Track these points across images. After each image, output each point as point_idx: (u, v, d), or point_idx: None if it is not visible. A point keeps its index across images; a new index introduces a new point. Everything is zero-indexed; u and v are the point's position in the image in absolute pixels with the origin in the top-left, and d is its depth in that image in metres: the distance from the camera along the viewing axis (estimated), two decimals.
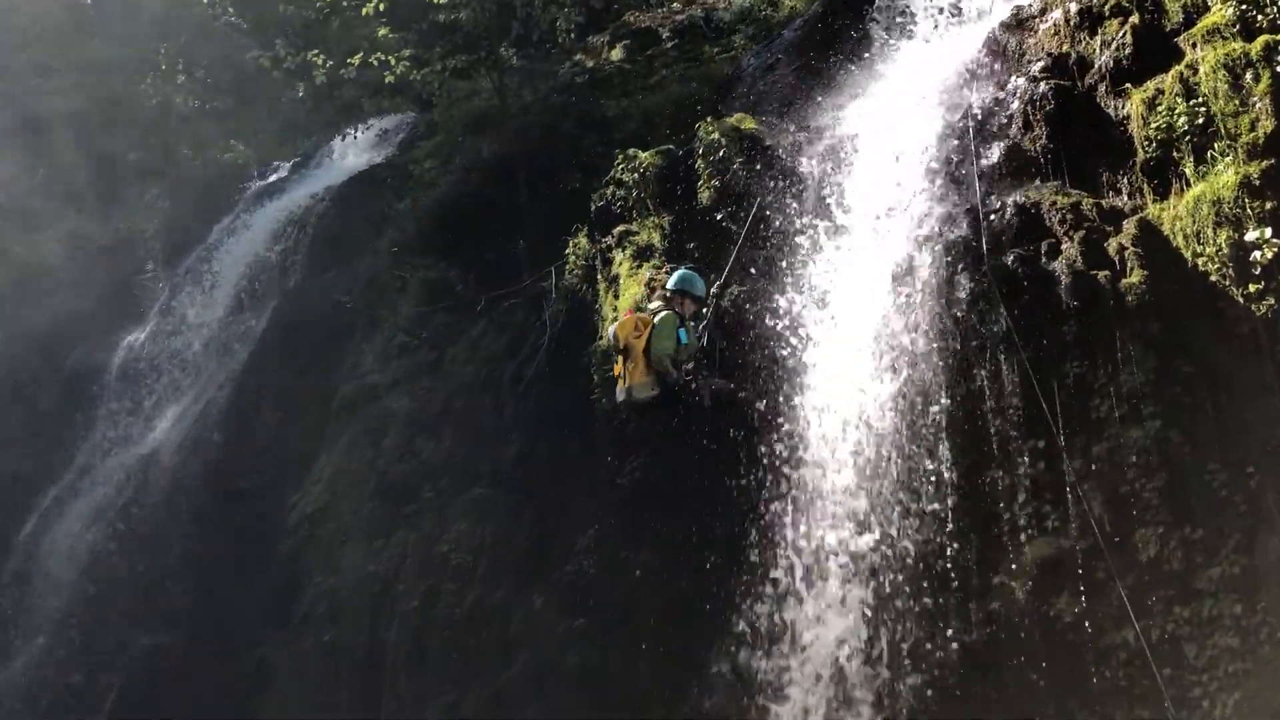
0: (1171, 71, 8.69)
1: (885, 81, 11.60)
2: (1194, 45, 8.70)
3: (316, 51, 20.28)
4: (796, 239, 10.38)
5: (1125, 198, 8.92)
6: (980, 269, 8.68)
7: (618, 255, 11.88)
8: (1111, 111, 9.18)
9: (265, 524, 15.15)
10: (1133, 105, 8.92)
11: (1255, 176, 7.81)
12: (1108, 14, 9.63)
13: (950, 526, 8.31)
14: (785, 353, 9.75)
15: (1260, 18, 8.35)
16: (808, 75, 13.04)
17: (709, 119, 12.24)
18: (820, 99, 12.33)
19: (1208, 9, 8.81)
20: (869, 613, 8.52)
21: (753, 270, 10.49)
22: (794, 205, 10.72)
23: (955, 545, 8.27)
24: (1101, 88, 9.35)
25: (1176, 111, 8.48)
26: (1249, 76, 8.12)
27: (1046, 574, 7.94)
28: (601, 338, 11.69)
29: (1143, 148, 8.76)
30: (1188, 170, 8.37)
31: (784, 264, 10.34)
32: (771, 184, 11.03)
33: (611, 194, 12.58)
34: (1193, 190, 8.23)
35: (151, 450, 18.17)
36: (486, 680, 11.20)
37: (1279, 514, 7.41)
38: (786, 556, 9.12)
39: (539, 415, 12.27)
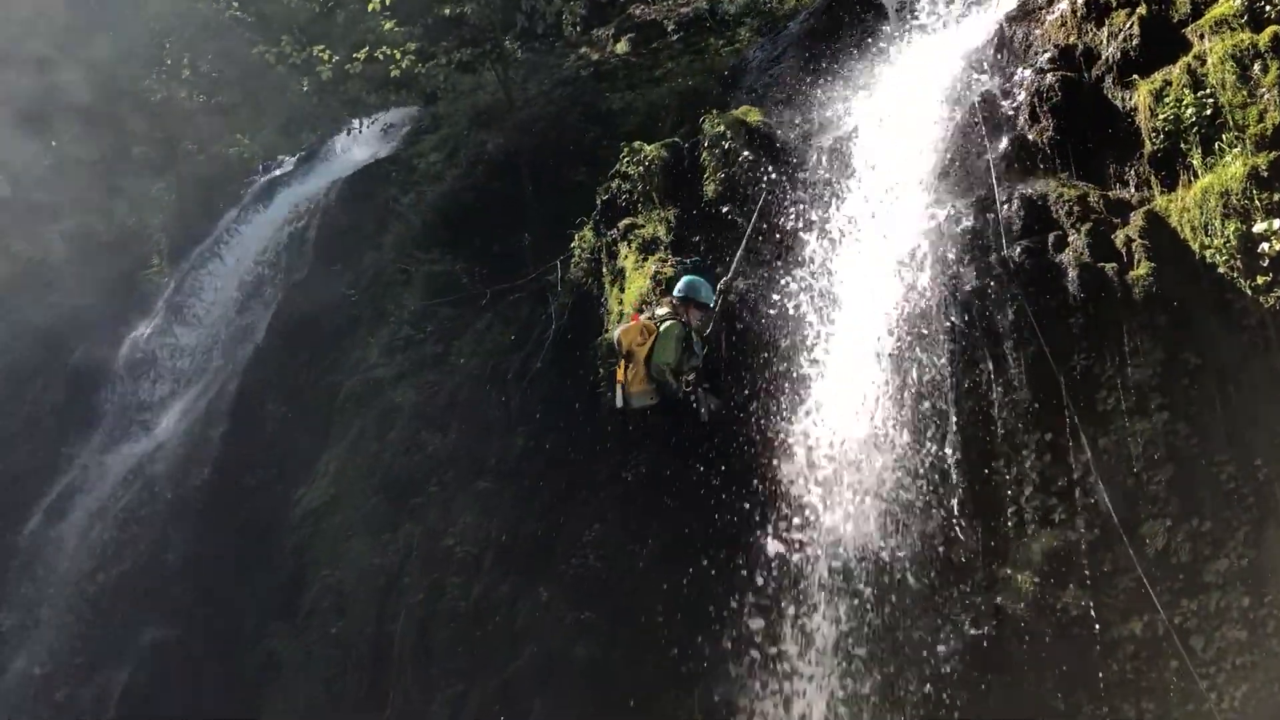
0: (1179, 63, 8.66)
1: (891, 73, 11.56)
2: (1202, 36, 8.67)
3: (322, 46, 20.29)
4: (802, 231, 10.35)
5: (1132, 190, 8.89)
6: (987, 261, 8.66)
7: (623, 248, 11.87)
8: (1119, 103, 9.16)
9: (271, 518, 15.17)
10: (1140, 97, 8.88)
11: (1263, 168, 7.79)
12: (1115, 5, 9.58)
13: (957, 519, 8.30)
14: (789, 346, 9.75)
15: (1268, 8, 8.33)
16: (814, 67, 12.99)
17: (714, 112, 12.22)
18: (826, 91, 12.30)
19: (1215, 0, 8.78)
20: (875, 605, 8.52)
21: (758, 264, 10.46)
22: (800, 198, 10.69)
23: (962, 537, 8.26)
24: (1109, 79, 9.31)
25: (1184, 103, 8.46)
26: (1257, 67, 8.10)
27: (1054, 566, 7.93)
28: (607, 331, 11.69)
29: (1150, 139, 8.74)
30: (1195, 162, 8.35)
31: (790, 257, 10.33)
32: (777, 176, 11.01)
33: (617, 187, 12.57)
34: (1200, 182, 8.20)
35: (156, 445, 18.18)
36: (493, 673, 11.22)
37: None
38: (791, 549, 9.13)
39: (544, 409, 12.27)
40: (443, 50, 18.15)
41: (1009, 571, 8.10)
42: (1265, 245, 7.64)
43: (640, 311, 10.60)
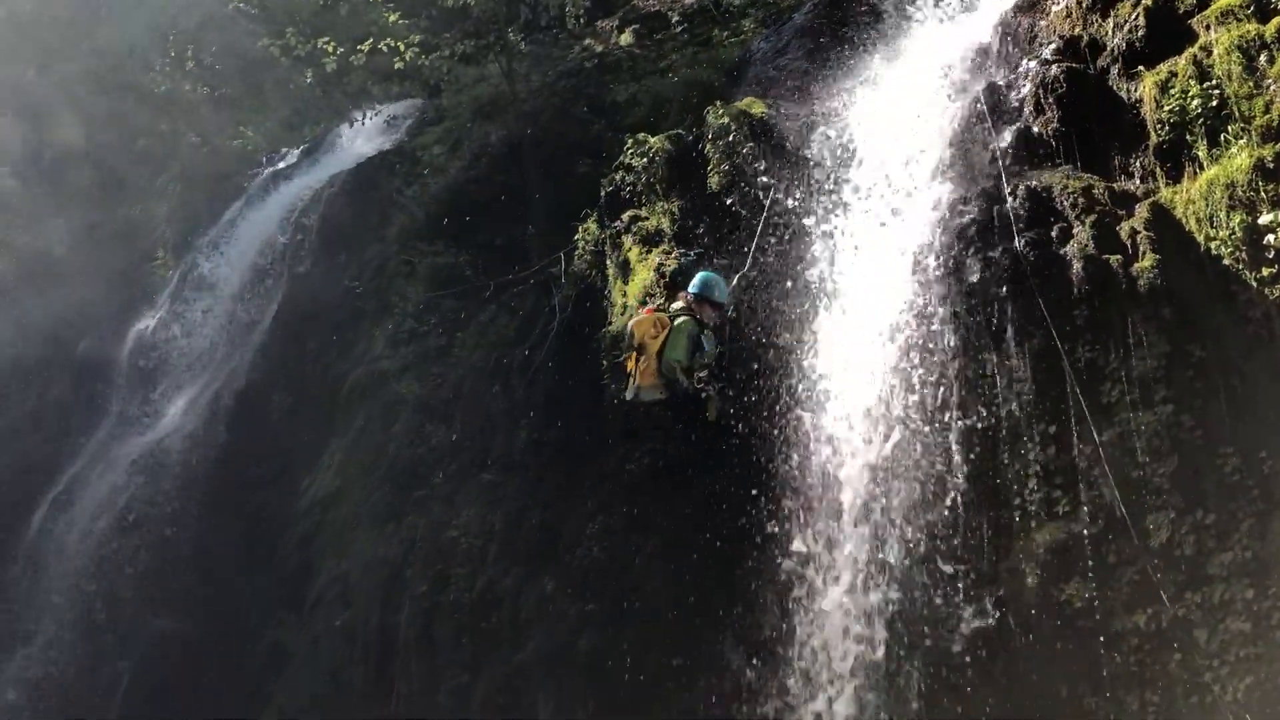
0: (1185, 54, 8.62)
1: (897, 64, 11.53)
2: (1207, 27, 8.63)
3: (326, 38, 20.28)
4: (806, 223, 10.34)
5: (1137, 181, 8.87)
6: (992, 253, 8.64)
7: (627, 240, 11.87)
8: (1124, 94, 9.12)
9: (276, 510, 15.23)
10: (1145, 88, 8.85)
11: (1269, 159, 7.76)
12: None
13: (960, 511, 8.30)
14: (792, 338, 9.75)
15: None
16: (818, 58, 12.97)
17: (718, 103, 12.20)
18: (831, 82, 12.27)
19: None
20: (878, 598, 8.53)
21: (761, 256, 10.46)
22: (804, 189, 10.68)
23: (965, 530, 8.26)
24: (1114, 70, 9.28)
25: (1190, 94, 8.42)
26: (1263, 58, 8.06)
27: (1057, 559, 7.93)
28: (611, 323, 11.69)
29: (1155, 131, 8.71)
30: (1201, 153, 8.32)
31: (794, 250, 10.32)
32: (781, 168, 11.00)
33: (621, 179, 12.57)
34: (1206, 174, 8.17)
35: (162, 437, 18.25)
36: (497, 663, 11.26)
37: None
38: (795, 543, 9.14)
39: (548, 401, 12.27)
40: (446, 42, 18.14)
41: (1012, 564, 8.10)
42: (1270, 237, 7.62)
43: (645, 301, 10.60)
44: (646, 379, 9.37)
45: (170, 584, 15.67)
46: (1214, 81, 8.31)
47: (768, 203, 10.59)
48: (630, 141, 12.54)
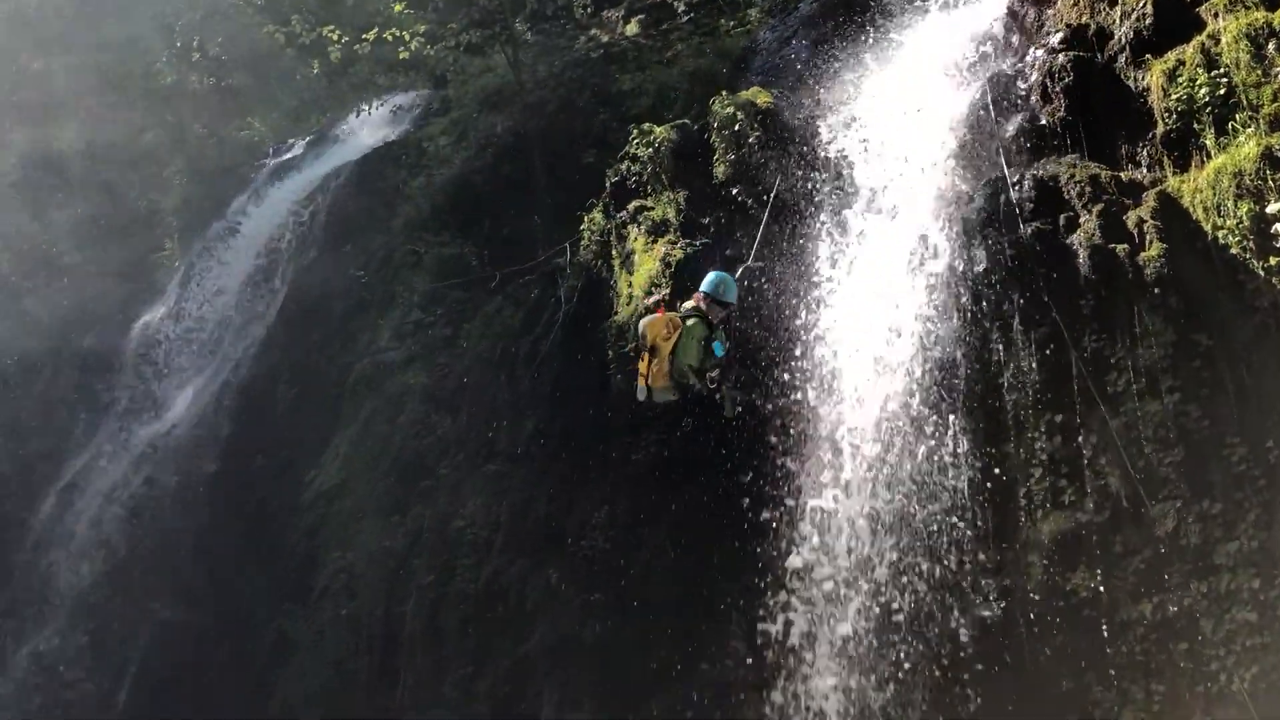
0: (1193, 42, 8.59)
1: (903, 53, 11.50)
2: (1215, 15, 8.59)
3: (332, 27, 20.25)
4: (812, 213, 10.32)
5: (1144, 170, 8.83)
6: (998, 242, 8.62)
7: (632, 230, 11.85)
8: (1131, 83, 9.07)
9: (282, 500, 15.24)
10: (1153, 76, 8.81)
11: (1277, 148, 7.71)
12: None
13: (966, 501, 8.29)
14: (799, 325, 9.73)
15: None
16: (824, 48, 12.94)
17: (724, 93, 12.17)
18: (837, 72, 12.25)
19: None
20: (885, 587, 8.52)
21: (768, 247, 10.42)
22: (810, 179, 10.65)
23: (971, 519, 8.25)
24: (1121, 59, 9.23)
25: (1198, 82, 8.38)
26: (1272, 46, 8.02)
27: (1063, 548, 7.92)
28: (617, 313, 11.68)
29: (1163, 119, 8.67)
30: (1208, 142, 8.28)
31: (801, 239, 10.29)
32: (787, 158, 10.97)
33: (626, 169, 12.55)
34: (1213, 162, 8.14)
35: (167, 429, 18.28)
36: (503, 653, 11.27)
37: None
38: (800, 531, 9.14)
39: (554, 391, 12.27)
40: (452, 32, 18.10)
41: (1018, 553, 8.09)
42: (1278, 226, 7.58)
43: (650, 295, 10.56)
44: (659, 380, 9.28)
45: (176, 575, 15.69)
46: (1222, 70, 8.27)
47: (773, 192, 10.56)
48: (636, 131, 12.52)
